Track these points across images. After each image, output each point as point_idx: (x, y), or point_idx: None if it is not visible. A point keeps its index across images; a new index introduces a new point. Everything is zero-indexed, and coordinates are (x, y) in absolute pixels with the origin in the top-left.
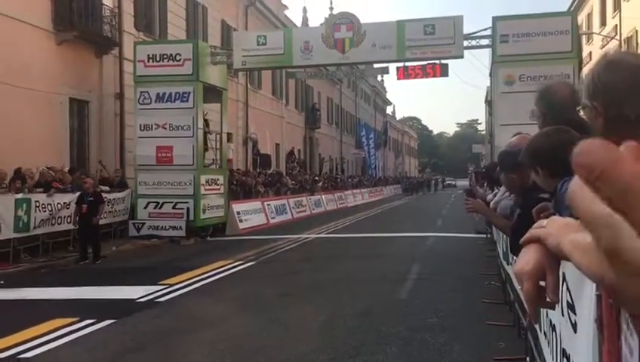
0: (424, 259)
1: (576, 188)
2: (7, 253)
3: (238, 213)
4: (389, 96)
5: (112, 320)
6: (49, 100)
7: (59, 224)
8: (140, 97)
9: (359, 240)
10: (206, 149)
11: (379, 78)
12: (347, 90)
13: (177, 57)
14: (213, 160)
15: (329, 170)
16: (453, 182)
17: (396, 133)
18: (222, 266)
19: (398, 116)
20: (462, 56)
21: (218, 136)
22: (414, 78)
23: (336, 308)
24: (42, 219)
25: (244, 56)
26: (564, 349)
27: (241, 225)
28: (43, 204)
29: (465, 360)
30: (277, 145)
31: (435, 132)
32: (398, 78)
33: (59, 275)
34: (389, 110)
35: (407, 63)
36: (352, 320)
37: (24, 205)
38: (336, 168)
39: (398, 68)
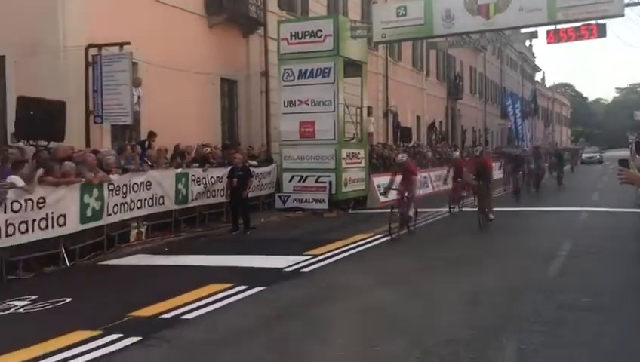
0: (578, 235)
1: None
2: (170, 223)
3: (379, 186)
4: (537, 62)
5: (263, 287)
6: (203, 81)
7: (213, 197)
8: (283, 74)
9: (506, 213)
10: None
11: (527, 43)
12: (492, 57)
13: (318, 33)
14: (354, 134)
15: (472, 143)
16: (597, 155)
17: (546, 101)
18: (364, 238)
19: (548, 83)
20: (622, 15)
21: (358, 110)
22: (567, 41)
23: (480, 283)
24: (199, 192)
25: (383, 28)
26: None
27: (382, 198)
28: (199, 178)
29: (621, 343)
30: (418, 117)
31: (591, 99)
32: (549, 43)
33: (214, 244)
34: (537, 77)
35: (559, 26)
36: (497, 297)
37: (183, 179)
38: (479, 140)
39: (548, 31)
